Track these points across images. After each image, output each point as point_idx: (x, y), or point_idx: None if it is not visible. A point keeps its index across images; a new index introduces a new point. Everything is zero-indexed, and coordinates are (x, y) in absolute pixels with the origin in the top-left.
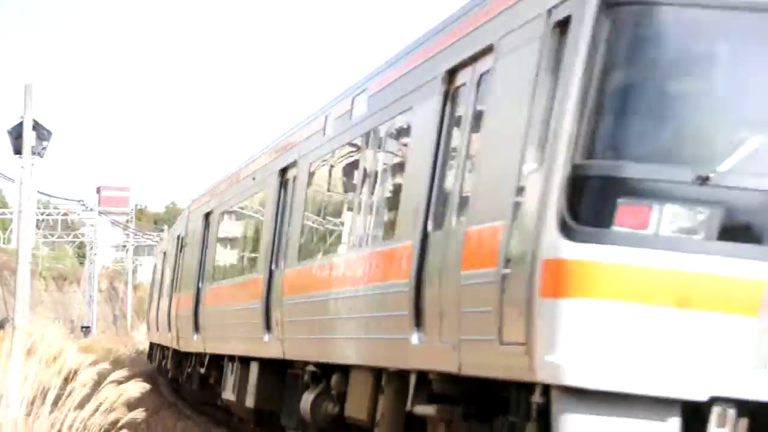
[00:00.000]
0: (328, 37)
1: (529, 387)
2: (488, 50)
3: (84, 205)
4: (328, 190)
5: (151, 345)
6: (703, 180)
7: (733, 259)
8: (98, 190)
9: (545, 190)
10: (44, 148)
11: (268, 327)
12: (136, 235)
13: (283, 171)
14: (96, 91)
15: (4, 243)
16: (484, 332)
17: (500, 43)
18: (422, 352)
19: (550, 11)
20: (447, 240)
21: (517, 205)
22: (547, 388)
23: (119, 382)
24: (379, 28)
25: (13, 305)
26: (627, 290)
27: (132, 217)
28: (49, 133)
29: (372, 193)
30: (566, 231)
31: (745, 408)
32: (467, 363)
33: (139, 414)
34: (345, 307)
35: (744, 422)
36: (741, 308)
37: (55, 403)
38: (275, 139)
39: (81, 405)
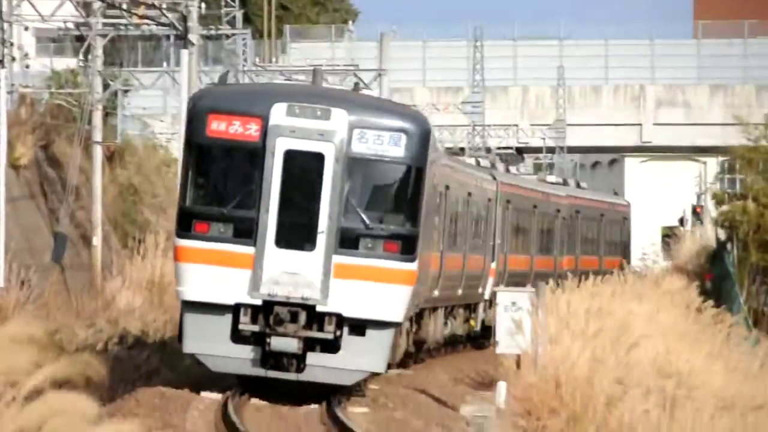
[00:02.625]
0: None
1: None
2: None
3: None
4: None
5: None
6: (224, 213)
7: (238, 245)
8: None
9: (177, 220)
10: None
11: None
12: None
13: None
14: None
15: None
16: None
17: None
18: None
19: None
20: None
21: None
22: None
23: None
24: None
25: None
26: (198, 257)
27: None
28: None
29: None
30: (178, 234)
31: (252, 307)
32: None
33: None
34: None
35: (251, 312)
36: (244, 265)
37: None
38: None
39: None
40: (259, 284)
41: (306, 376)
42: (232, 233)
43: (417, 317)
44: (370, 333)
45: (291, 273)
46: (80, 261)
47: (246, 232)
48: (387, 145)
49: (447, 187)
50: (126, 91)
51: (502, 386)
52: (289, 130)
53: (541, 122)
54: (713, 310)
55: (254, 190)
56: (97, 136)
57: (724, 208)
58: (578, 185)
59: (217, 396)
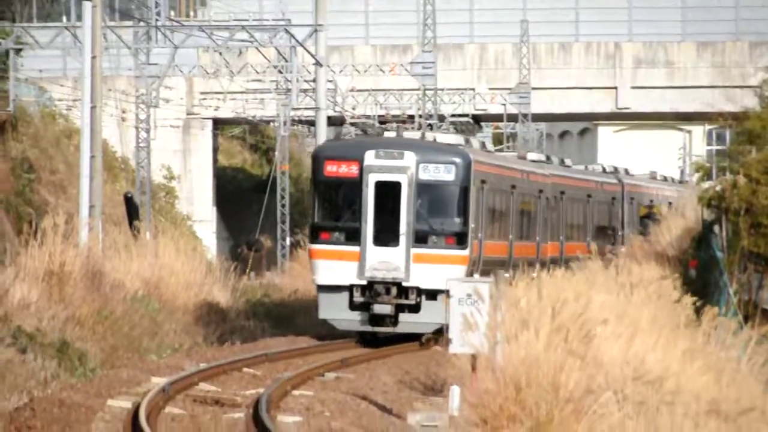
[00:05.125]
0: None
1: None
2: None
3: None
4: None
5: None
6: (339, 225)
7: (349, 246)
8: None
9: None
10: None
11: None
12: None
13: None
14: None
15: None
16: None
17: None
18: None
19: None
20: None
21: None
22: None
23: None
24: None
25: None
26: (324, 255)
27: None
28: None
29: None
30: (311, 239)
31: (361, 286)
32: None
33: None
34: None
35: (360, 289)
36: (354, 259)
37: None
38: None
39: None
40: (364, 270)
41: (398, 329)
42: (344, 238)
43: None
44: (440, 298)
45: (384, 261)
46: None
47: (354, 237)
48: (443, 173)
49: (562, 193)
50: (19, 51)
51: (455, 391)
52: (377, 168)
53: (501, 86)
54: (697, 302)
55: (357, 209)
56: None
57: (710, 183)
58: (665, 179)
59: (126, 404)
